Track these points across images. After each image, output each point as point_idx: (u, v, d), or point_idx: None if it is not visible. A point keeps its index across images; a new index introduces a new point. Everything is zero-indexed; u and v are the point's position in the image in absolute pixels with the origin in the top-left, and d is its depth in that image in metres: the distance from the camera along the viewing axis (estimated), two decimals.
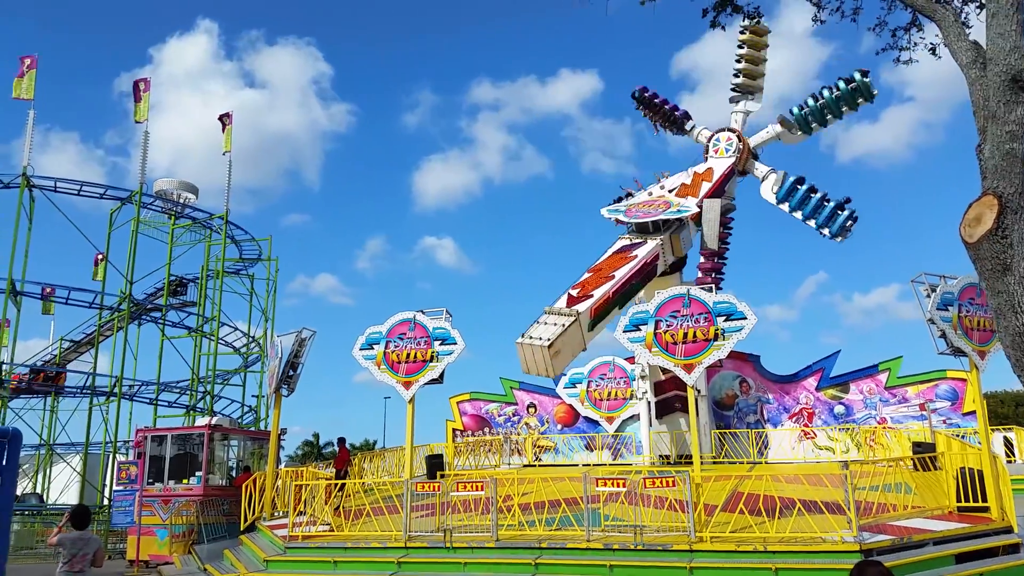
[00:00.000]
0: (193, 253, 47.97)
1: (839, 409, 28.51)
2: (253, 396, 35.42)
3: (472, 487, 14.34)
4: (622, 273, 20.42)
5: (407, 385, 16.09)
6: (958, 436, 21.30)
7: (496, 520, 13.92)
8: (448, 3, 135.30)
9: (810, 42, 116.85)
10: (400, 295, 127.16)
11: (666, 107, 28.20)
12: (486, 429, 31.76)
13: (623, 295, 20.20)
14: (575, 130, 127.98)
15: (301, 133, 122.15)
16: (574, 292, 19.47)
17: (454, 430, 32.13)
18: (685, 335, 14.64)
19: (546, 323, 17.98)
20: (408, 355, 16.17)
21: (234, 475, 22.18)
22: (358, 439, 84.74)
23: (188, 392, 31.75)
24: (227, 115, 32.69)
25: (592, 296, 18.98)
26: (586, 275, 20.84)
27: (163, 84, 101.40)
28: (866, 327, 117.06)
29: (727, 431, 27.11)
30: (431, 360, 16.00)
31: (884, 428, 26.99)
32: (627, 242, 23.29)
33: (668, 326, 14.88)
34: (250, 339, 34.33)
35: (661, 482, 13.17)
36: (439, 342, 16.06)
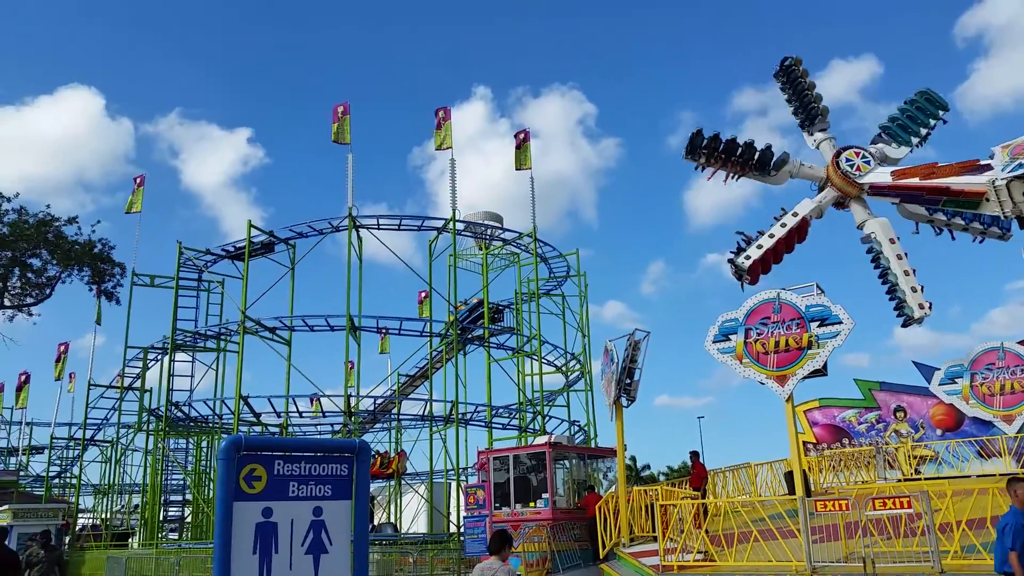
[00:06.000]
0: (500, 282, 49.20)
1: None
2: (574, 421, 34.23)
3: (895, 503, 10.97)
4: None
5: (781, 380, 13.07)
6: None
7: (937, 546, 10.49)
8: (699, 22, 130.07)
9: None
10: (690, 314, 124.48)
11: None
12: (844, 440, 27.35)
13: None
14: (858, 120, 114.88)
15: (574, 173, 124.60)
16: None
17: (804, 443, 28.14)
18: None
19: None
20: (777, 343, 13.20)
21: (576, 496, 20.59)
22: (672, 461, 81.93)
23: (518, 414, 31.34)
24: (523, 132, 32.16)
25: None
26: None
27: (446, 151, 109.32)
28: None
29: None
30: (809, 347, 12.85)
31: None
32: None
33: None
34: (569, 356, 33.27)
35: None
36: (817, 323, 12.86)
